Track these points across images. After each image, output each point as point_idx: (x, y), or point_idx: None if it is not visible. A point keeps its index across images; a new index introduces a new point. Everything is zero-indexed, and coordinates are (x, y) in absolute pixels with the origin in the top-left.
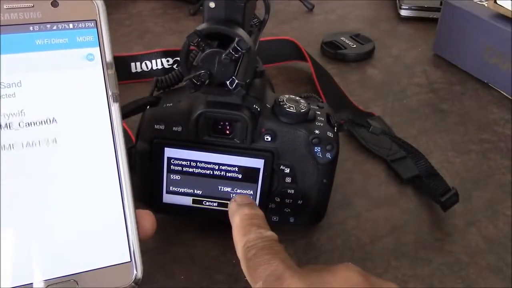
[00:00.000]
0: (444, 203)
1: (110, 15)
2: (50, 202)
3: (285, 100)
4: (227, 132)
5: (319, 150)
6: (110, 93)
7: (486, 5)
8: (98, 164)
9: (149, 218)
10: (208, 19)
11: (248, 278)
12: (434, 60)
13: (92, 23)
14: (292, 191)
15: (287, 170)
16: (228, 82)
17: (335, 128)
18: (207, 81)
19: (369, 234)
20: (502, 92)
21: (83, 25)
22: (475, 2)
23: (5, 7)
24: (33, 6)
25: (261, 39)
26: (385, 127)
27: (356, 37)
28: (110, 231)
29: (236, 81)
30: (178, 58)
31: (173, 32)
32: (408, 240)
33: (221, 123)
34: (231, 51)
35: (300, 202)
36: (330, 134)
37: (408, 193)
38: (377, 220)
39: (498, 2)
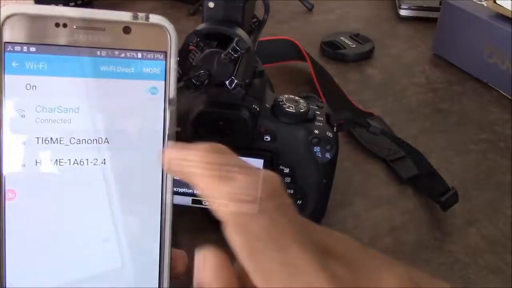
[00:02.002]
0: (444, 203)
1: None
2: (86, 229)
3: (284, 100)
4: (227, 132)
5: (318, 150)
6: (167, 132)
7: (485, 5)
8: (143, 198)
9: (182, 259)
10: (207, 19)
11: (249, 268)
12: (433, 60)
13: (162, 55)
14: (292, 191)
15: (287, 170)
16: (227, 82)
17: (335, 128)
18: (206, 81)
19: (369, 234)
20: (501, 92)
21: (152, 56)
22: (475, 2)
23: (74, 27)
24: (104, 29)
25: (261, 39)
26: (384, 127)
27: (355, 37)
28: (143, 269)
29: (236, 81)
30: (178, 58)
31: None
32: (408, 240)
33: (221, 123)
34: (230, 51)
35: (299, 202)
36: (329, 134)
37: (408, 193)
38: (377, 220)
39: (497, 2)
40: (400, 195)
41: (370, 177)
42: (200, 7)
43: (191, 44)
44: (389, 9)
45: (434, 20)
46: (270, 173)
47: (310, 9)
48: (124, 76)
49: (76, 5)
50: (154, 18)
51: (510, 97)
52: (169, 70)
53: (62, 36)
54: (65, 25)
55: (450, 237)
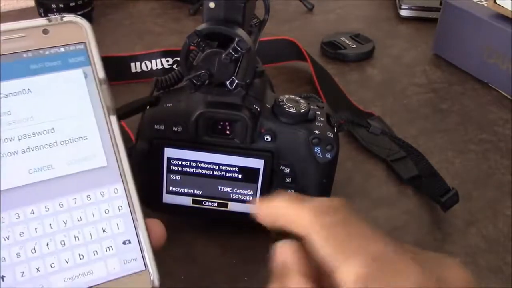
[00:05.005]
0: (444, 203)
1: (110, 15)
2: (58, 211)
3: (285, 100)
4: (227, 132)
5: (319, 150)
6: (105, 107)
7: (486, 5)
8: (100, 174)
9: (158, 226)
10: (208, 19)
11: (325, 249)
12: (433, 60)
13: (82, 45)
14: (292, 191)
15: (287, 170)
16: (228, 82)
17: (335, 128)
18: (207, 81)
19: None
20: (501, 92)
21: (74, 48)
22: (475, 2)
23: (1, 38)
24: (25, 35)
25: (261, 39)
26: (385, 127)
27: (356, 37)
28: (122, 241)
29: (236, 81)
30: (178, 58)
31: (173, 32)
32: (408, 240)
33: (221, 123)
34: (231, 51)
35: None
36: (330, 134)
37: (408, 193)
38: (377, 220)
39: (498, 2)
40: (400, 195)
41: (370, 177)
42: (201, 7)
43: (191, 44)
44: (389, 10)
45: (434, 20)
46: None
47: (310, 9)
48: (53, 70)
49: (77, 5)
50: (68, 17)
51: (510, 97)
52: (92, 55)
53: None
54: None
55: (450, 237)
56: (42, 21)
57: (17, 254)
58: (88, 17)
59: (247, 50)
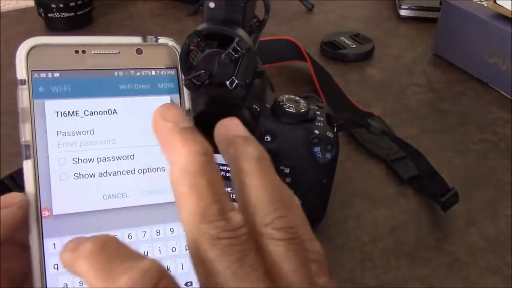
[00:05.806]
0: (444, 203)
1: (110, 15)
2: (126, 242)
3: (284, 100)
4: None
5: (318, 150)
6: None
7: (486, 5)
8: (172, 209)
9: None
10: (208, 19)
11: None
12: (433, 60)
13: (173, 71)
14: (292, 191)
15: (287, 170)
16: (228, 82)
17: (335, 128)
18: (207, 81)
19: (369, 234)
20: (501, 92)
21: (165, 73)
22: (475, 2)
23: (92, 52)
24: (119, 52)
25: (261, 39)
26: (384, 127)
27: (355, 37)
28: (184, 282)
29: (236, 81)
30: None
31: (173, 32)
32: (408, 240)
33: None
34: (231, 51)
35: (299, 202)
36: (329, 134)
37: (408, 193)
38: (377, 220)
39: (498, 2)
40: (400, 195)
41: (370, 177)
42: (201, 7)
43: (191, 44)
44: (389, 9)
45: (434, 20)
46: (149, 264)
47: (310, 9)
48: (141, 93)
49: (76, 5)
50: (162, 39)
51: (510, 97)
52: (182, 84)
53: (82, 61)
54: (83, 51)
55: (450, 237)
56: (137, 39)
57: (80, 282)
58: (88, 17)
59: (247, 50)
